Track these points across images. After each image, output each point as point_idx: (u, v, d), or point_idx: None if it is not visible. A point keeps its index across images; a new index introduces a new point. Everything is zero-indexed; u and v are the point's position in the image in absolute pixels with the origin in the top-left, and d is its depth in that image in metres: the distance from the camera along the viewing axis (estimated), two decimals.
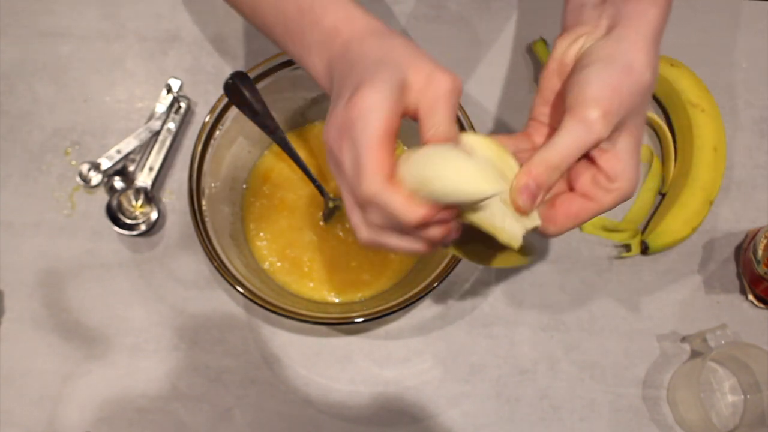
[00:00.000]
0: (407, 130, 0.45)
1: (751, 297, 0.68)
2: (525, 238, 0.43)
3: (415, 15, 0.77)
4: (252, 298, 0.57)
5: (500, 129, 0.73)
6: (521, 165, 0.42)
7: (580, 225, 0.45)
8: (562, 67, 0.46)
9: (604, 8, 0.44)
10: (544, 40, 0.76)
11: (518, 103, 0.75)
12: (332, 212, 0.67)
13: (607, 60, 0.42)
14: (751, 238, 0.67)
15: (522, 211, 0.41)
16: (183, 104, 0.71)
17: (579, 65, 0.44)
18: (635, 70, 0.42)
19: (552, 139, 0.41)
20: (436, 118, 0.40)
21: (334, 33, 0.44)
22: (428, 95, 0.41)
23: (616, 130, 0.42)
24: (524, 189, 0.41)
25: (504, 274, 0.68)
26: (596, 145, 0.42)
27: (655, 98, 0.75)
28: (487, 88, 0.75)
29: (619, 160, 0.43)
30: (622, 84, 0.41)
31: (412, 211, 0.39)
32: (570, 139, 0.41)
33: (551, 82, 0.47)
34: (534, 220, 0.43)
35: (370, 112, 0.39)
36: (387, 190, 0.39)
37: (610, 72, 0.42)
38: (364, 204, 0.41)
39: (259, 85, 0.61)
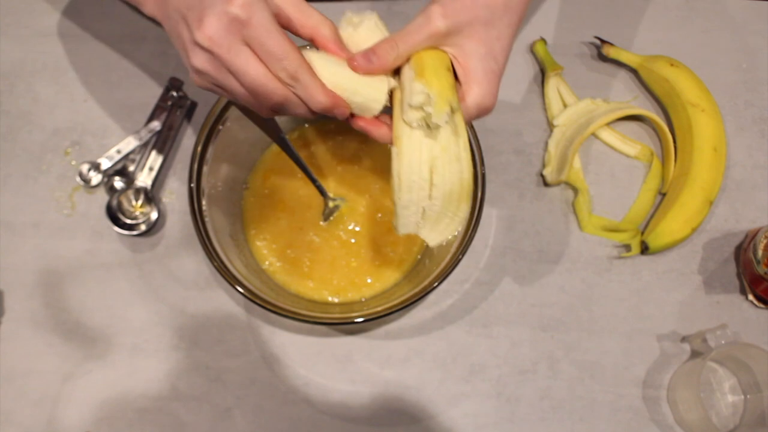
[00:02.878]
0: None
1: (751, 297, 0.68)
2: None
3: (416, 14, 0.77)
4: (252, 298, 0.57)
5: (500, 129, 0.73)
6: None
7: None
8: None
9: None
10: (544, 40, 0.76)
11: (519, 103, 0.75)
12: (332, 212, 0.67)
13: None
14: (751, 238, 0.67)
15: (354, 68, 0.48)
16: (183, 104, 0.71)
17: None
18: None
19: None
20: (312, 20, 0.48)
21: None
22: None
23: (459, 34, 0.48)
24: (363, 53, 0.49)
25: (504, 274, 0.68)
26: (435, 36, 0.48)
27: (655, 98, 0.75)
28: None
29: (468, 63, 0.49)
30: None
31: (328, 96, 0.48)
32: (413, 24, 0.49)
33: None
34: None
35: (260, 9, 0.45)
36: (309, 72, 0.47)
37: None
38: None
39: None
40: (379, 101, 0.50)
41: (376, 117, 0.51)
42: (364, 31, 0.50)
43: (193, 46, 0.46)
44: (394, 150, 0.49)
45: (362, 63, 0.48)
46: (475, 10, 0.48)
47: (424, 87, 0.47)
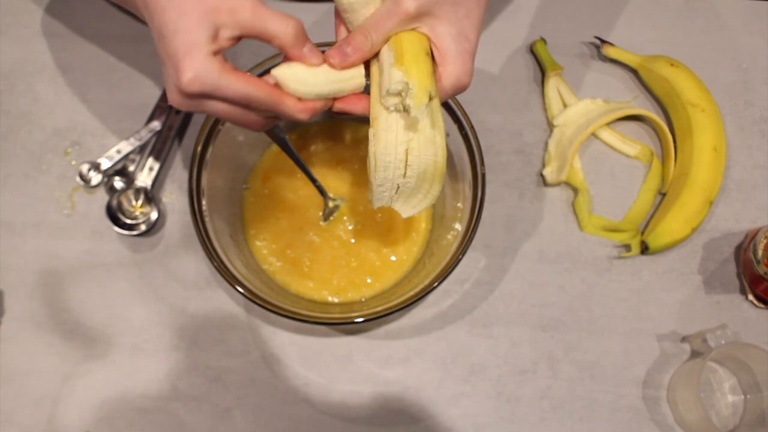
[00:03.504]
0: None
1: (751, 297, 0.68)
2: None
3: None
4: (252, 298, 0.57)
5: (500, 128, 0.73)
6: None
7: None
8: None
9: None
10: (544, 40, 0.76)
11: (519, 103, 0.75)
12: (332, 212, 0.67)
13: None
14: (751, 238, 0.67)
15: (332, 65, 0.49)
16: None
17: None
18: None
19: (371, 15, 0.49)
20: (271, 30, 0.47)
21: None
22: (245, 17, 0.47)
23: (429, 15, 0.49)
24: (337, 48, 0.49)
25: (504, 274, 0.68)
26: (406, 20, 0.48)
27: (655, 98, 0.75)
28: (487, 88, 0.75)
29: (441, 44, 0.49)
30: None
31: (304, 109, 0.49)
32: (382, 10, 0.48)
33: None
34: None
35: (206, 74, 0.46)
36: (277, 101, 0.48)
37: None
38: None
39: None
40: (360, 86, 0.51)
41: (359, 94, 0.51)
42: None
43: (168, 98, 0.49)
44: (371, 131, 0.49)
45: (339, 59, 0.49)
46: None
47: (403, 75, 0.47)
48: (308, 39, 0.49)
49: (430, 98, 0.48)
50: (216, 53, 0.46)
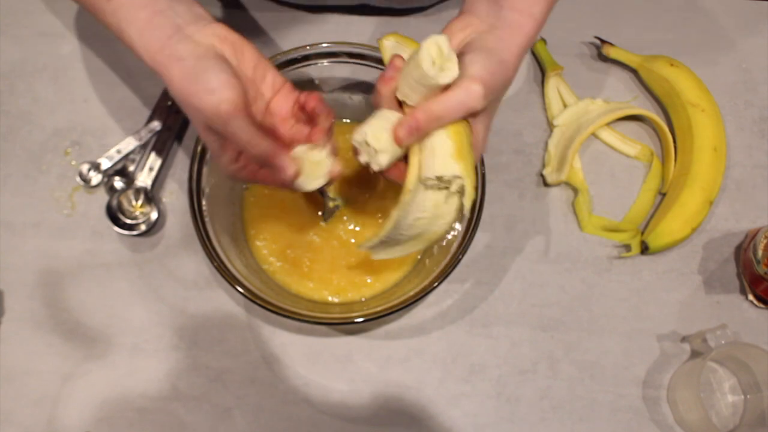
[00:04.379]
0: None
1: (751, 297, 0.68)
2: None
3: (415, 15, 0.77)
4: (252, 298, 0.57)
5: (500, 129, 0.73)
6: None
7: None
8: None
9: (494, 8, 0.53)
10: (544, 40, 0.76)
11: (519, 103, 0.75)
12: (332, 212, 0.67)
13: (489, 52, 0.50)
14: (751, 238, 0.67)
15: (398, 141, 0.50)
16: None
17: (466, 49, 0.51)
18: (507, 66, 0.51)
19: (439, 97, 0.49)
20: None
21: (140, 51, 0.52)
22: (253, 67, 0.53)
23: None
24: (405, 123, 0.49)
25: (504, 274, 0.68)
26: (471, 114, 0.50)
27: (655, 98, 0.75)
28: None
29: (476, 135, 0.52)
30: (497, 72, 0.50)
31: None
32: (454, 99, 0.49)
33: None
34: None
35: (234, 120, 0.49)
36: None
37: (491, 61, 0.50)
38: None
39: None
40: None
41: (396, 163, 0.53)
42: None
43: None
44: (402, 197, 0.51)
45: (406, 136, 0.50)
46: (499, 86, 0.51)
47: (459, 170, 0.49)
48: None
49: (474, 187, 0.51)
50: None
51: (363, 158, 0.51)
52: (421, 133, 0.50)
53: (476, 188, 0.51)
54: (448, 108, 0.49)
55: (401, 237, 0.54)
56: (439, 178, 0.50)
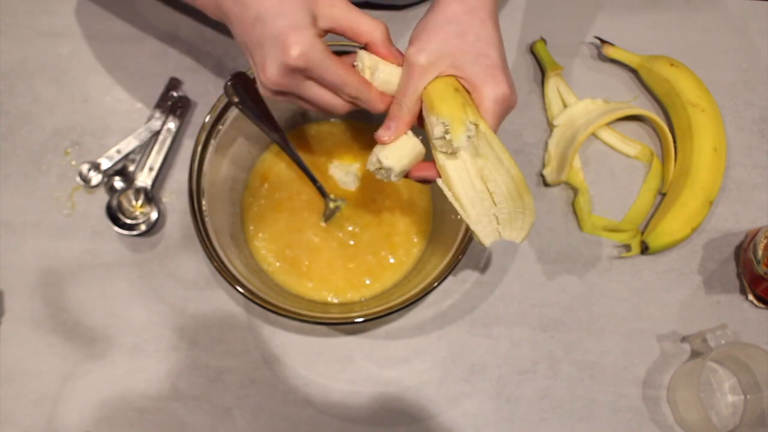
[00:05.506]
0: None
1: (751, 297, 0.68)
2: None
3: (415, 15, 0.77)
4: (252, 298, 0.57)
5: (500, 129, 0.73)
6: None
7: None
8: None
9: None
10: (544, 40, 0.76)
11: (519, 103, 0.74)
12: (332, 213, 0.67)
13: (427, 11, 0.52)
14: (751, 238, 0.67)
15: (382, 142, 0.51)
16: (183, 104, 0.71)
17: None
18: (438, 6, 0.52)
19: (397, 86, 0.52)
20: (364, 27, 0.51)
21: None
22: (341, 11, 0.51)
23: (443, 56, 0.50)
24: (382, 126, 0.52)
25: (504, 274, 0.68)
26: (423, 73, 0.50)
27: (655, 98, 0.75)
28: None
29: (465, 73, 0.51)
30: (428, 22, 0.51)
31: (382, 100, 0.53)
32: (402, 76, 0.51)
33: None
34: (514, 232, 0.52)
35: (314, 53, 0.49)
36: (366, 91, 0.52)
37: (422, 19, 0.52)
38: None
39: None
40: (422, 152, 0.53)
41: (425, 161, 0.54)
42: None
43: (261, 81, 0.51)
44: (439, 181, 0.52)
45: (386, 134, 0.51)
46: (441, 30, 0.51)
47: (437, 117, 0.49)
48: (392, 42, 0.52)
49: (474, 123, 0.50)
50: (319, 36, 0.49)
51: (381, 176, 0.53)
52: (399, 122, 0.51)
53: (470, 122, 0.50)
54: (400, 84, 0.51)
55: (502, 209, 0.52)
56: (438, 138, 0.50)
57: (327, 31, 0.51)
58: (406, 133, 0.52)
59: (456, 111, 0.49)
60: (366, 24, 0.51)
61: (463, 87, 0.51)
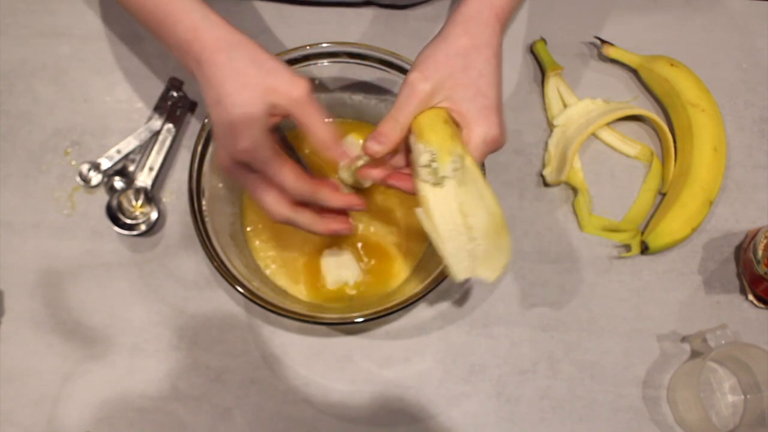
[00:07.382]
0: None
1: (751, 297, 0.68)
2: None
3: (415, 15, 0.77)
4: (252, 298, 0.57)
5: None
6: None
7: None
8: None
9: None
10: (544, 40, 0.76)
11: (519, 103, 0.75)
12: None
13: (435, 39, 0.54)
14: (751, 238, 0.67)
15: (370, 154, 0.52)
16: (183, 104, 0.71)
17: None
18: (449, 37, 0.53)
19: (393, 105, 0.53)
20: (319, 127, 0.52)
21: (186, 45, 0.52)
22: (298, 104, 0.51)
23: (444, 87, 0.52)
24: (372, 138, 0.52)
25: (504, 274, 0.68)
26: (425, 99, 0.52)
27: (655, 98, 0.75)
28: None
29: (461, 108, 0.52)
30: (437, 51, 0.52)
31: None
32: (402, 99, 0.52)
33: None
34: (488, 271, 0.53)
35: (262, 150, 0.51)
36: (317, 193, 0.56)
37: (429, 45, 0.53)
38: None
39: None
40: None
41: (400, 171, 0.56)
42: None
43: (215, 160, 0.56)
44: (419, 210, 0.52)
45: (375, 147, 0.52)
46: (448, 62, 0.52)
47: (425, 146, 0.50)
48: (340, 142, 0.53)
49: (460, 156, 0.51)
50: (269, 129, 0.51)
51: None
52: (389, 139, 0.52)
53: (457, 154, 0.51)
54: (399, 107, 0.52)
55: (478, 245, 0.52)
56: (423, 166, 0.51)
57: (285, 117, 0.52)
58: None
59: (445, 141, 0.51)
60: (318, 126, 0.52)
61: (453, 120, 0.52)
